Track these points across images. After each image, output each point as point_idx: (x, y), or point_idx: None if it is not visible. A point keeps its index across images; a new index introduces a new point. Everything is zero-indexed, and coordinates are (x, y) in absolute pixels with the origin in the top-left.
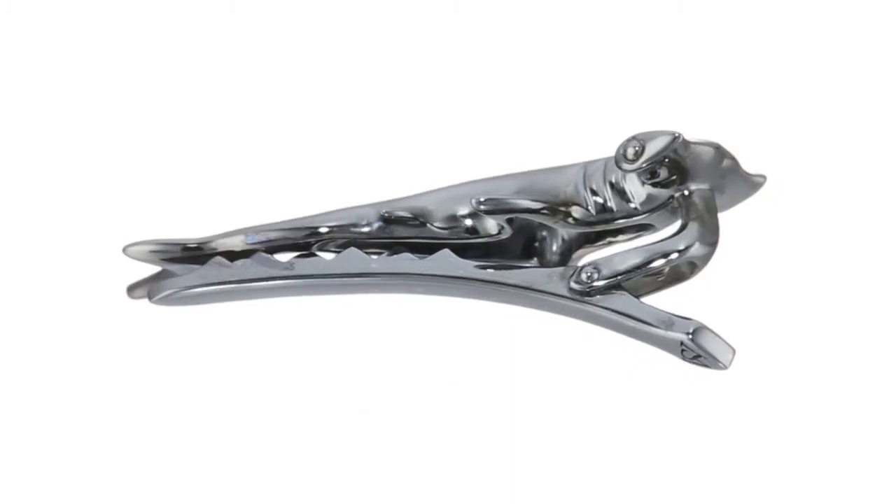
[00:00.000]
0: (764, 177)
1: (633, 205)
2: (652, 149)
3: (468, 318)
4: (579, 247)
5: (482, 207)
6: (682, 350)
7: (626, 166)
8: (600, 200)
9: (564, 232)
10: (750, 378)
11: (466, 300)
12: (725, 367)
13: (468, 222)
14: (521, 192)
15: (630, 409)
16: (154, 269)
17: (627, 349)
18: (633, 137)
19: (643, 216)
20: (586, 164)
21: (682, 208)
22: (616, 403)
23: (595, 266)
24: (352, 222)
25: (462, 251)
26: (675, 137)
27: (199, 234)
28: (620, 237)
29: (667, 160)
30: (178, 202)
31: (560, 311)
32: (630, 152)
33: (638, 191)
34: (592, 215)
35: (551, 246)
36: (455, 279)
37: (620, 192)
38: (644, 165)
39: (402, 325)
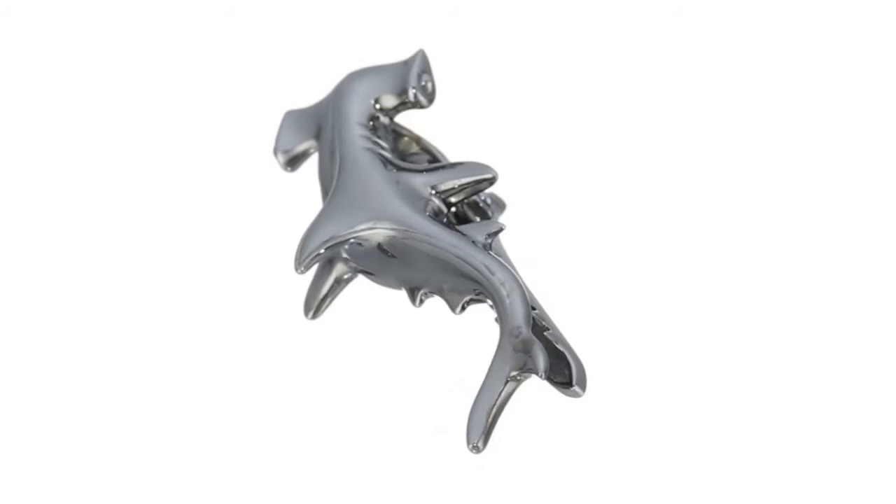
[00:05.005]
0: None
1: (389, 144)
2: (430, 69)
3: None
4: None
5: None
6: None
7: (429, 101)
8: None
9: None
10: None
11: None
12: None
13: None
14: (456, 169)
15: None
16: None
17: None
18: (422, 72)
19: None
20: (363, 139)
21: (402, 131)
22: None
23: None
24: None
25: None
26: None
27: None
28: None
29: None
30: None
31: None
32: (428, 87)
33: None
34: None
35: None
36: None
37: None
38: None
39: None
